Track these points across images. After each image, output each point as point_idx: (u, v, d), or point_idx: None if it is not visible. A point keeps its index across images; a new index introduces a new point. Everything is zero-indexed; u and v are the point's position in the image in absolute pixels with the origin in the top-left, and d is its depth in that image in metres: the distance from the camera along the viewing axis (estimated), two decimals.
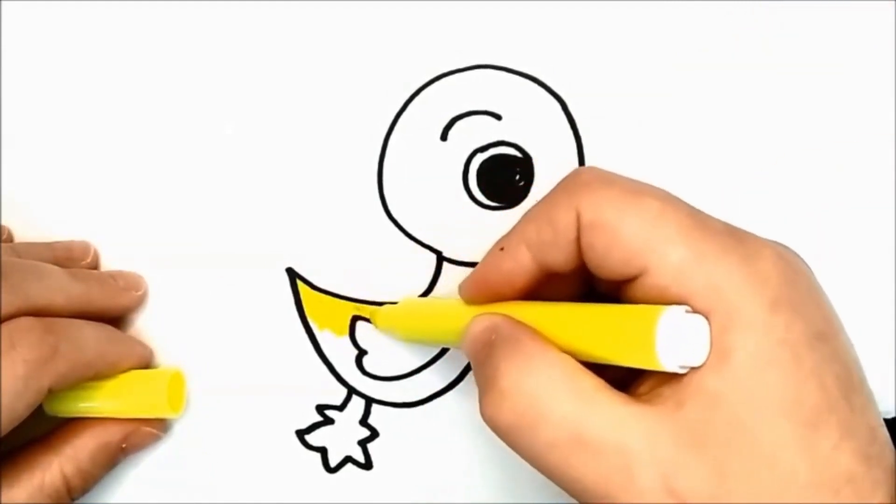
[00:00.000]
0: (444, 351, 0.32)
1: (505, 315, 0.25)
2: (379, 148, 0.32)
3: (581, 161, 0.32)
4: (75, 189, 0.33)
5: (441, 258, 0.32)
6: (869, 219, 0.31)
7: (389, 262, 0.32)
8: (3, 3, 0.33)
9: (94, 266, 0.33)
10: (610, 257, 0.23)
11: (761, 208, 0.31)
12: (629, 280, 0.23)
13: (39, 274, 0.29)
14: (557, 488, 0.31)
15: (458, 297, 0.28)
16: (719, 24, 0.31)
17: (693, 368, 0.21)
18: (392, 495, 0.32)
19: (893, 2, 0.31)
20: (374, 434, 0.33)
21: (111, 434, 0.30)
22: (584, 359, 0.23)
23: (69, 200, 0.33)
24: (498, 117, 0.32)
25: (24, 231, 0.33)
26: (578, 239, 0.24)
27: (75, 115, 0.33)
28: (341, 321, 0.32)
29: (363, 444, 0.33)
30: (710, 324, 0.21)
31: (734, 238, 0.22)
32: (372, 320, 0.32)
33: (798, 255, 0.23)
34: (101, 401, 0.30)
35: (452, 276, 0.32)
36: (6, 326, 0.27)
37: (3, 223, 0.33)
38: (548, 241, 0.24)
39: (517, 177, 0.32)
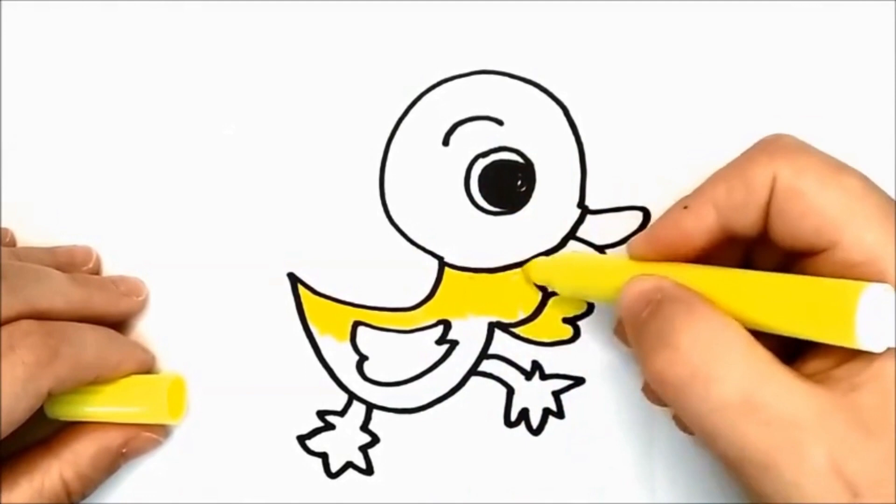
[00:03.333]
0: (445, 356, 0.32)
1: (672, 280, 0.24)
2: (381, 153, 0.32)
3: (583, 166, 0.32)
4: (78, 194, 0.33)
5: (443, 263, 0.32)
6: None
7: (391, 268, 0.32)
8: (3, 3, 0.33)
9: (96, 271, 0.33)
10: (802, 226, 0.23)
11: None
12: (811, 253, 0.23)
13: (40, 278, 0.29)
14: (557, 493, 0.31)
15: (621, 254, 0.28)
16: (719, 27, 0.31)
17: (872, 353, 0.21)
18: (393, 501, 0.32)
19: (893, 2, 0.31)
20: (375, 440, 0.32)
21: (111, 439, 0.30)
22: (759, 328, 0.23)
23: (72, 205, 0.33)
24: (500, 123, 0.32)
25: (27, 235, 0.33)
26: (769, 203, 0.24)
27: (76, 117, 0.33)
28: (342, 326, 0.32)
29: (364, 449, 0.32)
30: None
31: None
32: (526, 272, 0.32)
33: None
34: (101, 405, 0.30)
35: (454, 282, 0.32)
36: (6, 329, 0.27)
37: (6, 227, 0.33)
38: (738, 202, 0.24)
39: (519, 182, 0.32)
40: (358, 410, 0.32)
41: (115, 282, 0.32)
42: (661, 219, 0.27)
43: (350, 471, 0.32)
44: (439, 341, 0.32)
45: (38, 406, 0.27)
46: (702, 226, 0.25)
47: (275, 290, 0.33)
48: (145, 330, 0.33)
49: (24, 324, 0.27)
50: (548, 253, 0.32)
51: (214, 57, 0.33)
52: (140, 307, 0.33)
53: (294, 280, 0.33)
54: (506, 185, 0.32)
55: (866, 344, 0.20)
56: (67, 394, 0.29)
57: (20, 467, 0.29)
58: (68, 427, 0.30)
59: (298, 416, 0.32)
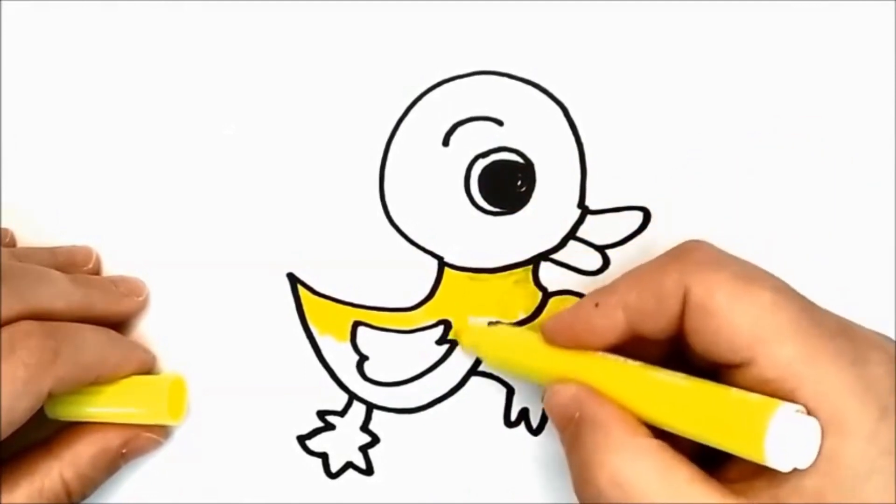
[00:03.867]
0: (445, 356, 0.32)
1: (587, 387, 0.25)
2: (381, 153, 0.32)
3: (583, 166, 0.32)
4: (78, 194, 0.33)
5: (442, 264, 0.32)
6: (869, 219, 0.31)
7: (391, 268, 0.32)
8: (3, 3, 0.33)
9: (96, 271, 0.33)
10: (716, 343, 0.23)
11: (764, 210, 0.31)
12: (728, 366, 0.23)
13: (41, 278, 0.29)
14: (557, 493, 0.32)
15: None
16: (719, 27, 0.31)
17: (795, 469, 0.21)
18: (393, 501, 0.32)
19: (893, 2, 0.31)
20: (376, 440, 0.32)
21: (111, 439, 0.30)
22: (677, 433, 0.23)
23: (72, 205, 0.33)
24: (499, 123, 0.32)
25: (27, 236, 0.33)
26: (682, 315, 0.24)
27: (76, 118, 0.33)
28: (342, 326, 0.32)
29: (364, 449, 0.32)
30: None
31: (846, 338, 0.22)
32: (458, 337, 0.32)
33: None
34: (101, 406, 0.30)
35: (454, 282, 0.32)
36: (6, 330, 0.27)
37: (6, 227, 0.33)
38: (648, 311, 0.25)
39: (519, 182, 0.32)
40: (358, 410, 0.32)
41: (116, 282, 0.32)
42: (573, 310, 0.27)
43: (350, 471, 0.32)
44: (439, 341, 0.32)
45: (38, 407, 0.27)
46: (611, 325, 0.25)
47: (275, 290, 0.33)
48: (146, 330, 0.33)
49: (25, 324, 0.27)
50: (548, 253, 0.32)
51: (214, 57, 0.33)
52: (140, 307, 0.33)
53: (294, 280, 0.33)
54: (506, 185, 0.32)
55: (775, 463, 0.21)
56: (68, 394, 0.29)
57: (20, 468, 0.29)
58: (68, 427, 0.30)
59: (298, 416, 0.33)
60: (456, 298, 0.32)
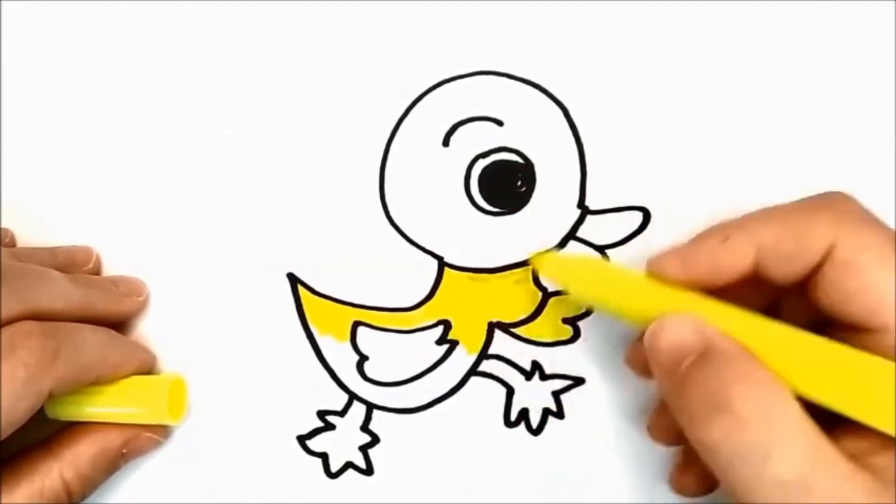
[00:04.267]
0: (445, 356, 0.32)
1: (709, 323, 0.23)
2: (381, 153, 0.32)
3: (583, 167, 0.32)
4: (78, 194, 0.33)
5: (442, 264, 0.32)
6: None
7: (391, 268, 0.32)
8: (3, 3, 0.33)
9: (97, 271, 0.33)
10: (854, 302, 0.22)
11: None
12: (855, 328, 0.22)
13: (41, 278, 0.29)
14: (557, 493, 0.31)
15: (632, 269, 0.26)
16: (719, 27, 0.31)
17: None
18: (393, 501, 0.32)
19: (893, 2, 0.31)
20: (376, 440, 0.32)
21: (112, 439, 0.30)
22: (801, 394, 0.22)
23: (72, 205, 0.33)
24: (500, 123, 0.32)
25: (27, 236, 0.33)
26: (819, 266, 0.23)
27: (76, 118, 0.33)
28: (342, 326, 0.32)
29: (364, 449, 0.33)
30: None
31: None
32: (534, 263, 0.30)
33: None
34: (102, 406, 0.30)
35: (454, 282, 0.32)
36: (7, 330, 0.27)
37: (6, 227, 0.33)
38: (785, 254, 0.23)
39: (519, 182, 0.32)
40: (358, 410, 0.32)
41: (116, 282, 0.32)
42: (695, 243, 0.25)
43: (350, 471, 0.33)
44: (439, 341, 0.32)
45: (38, 407, 0.27)
46: (738, 263, 0.24)
47: (275, 290, 0.33)
48: (146, 330, 0.33)
49: (25, 325, 0.27)
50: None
51: (214, 57, 0.33)
52: (141, 307, 0.33)
53: (294, 280, 0.33)
54: (506, 185, 0.32)
55: None
56: (68, 394, 0.29)
57: (20, 468, 0.29)
58: (69, 427, 0.30)
59: (298, 416, 0.33)
60: (456, 298, 0.32)
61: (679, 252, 0.25)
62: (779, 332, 0.23)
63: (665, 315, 0.24)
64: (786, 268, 0.24)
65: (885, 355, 0.22)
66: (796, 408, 0.21)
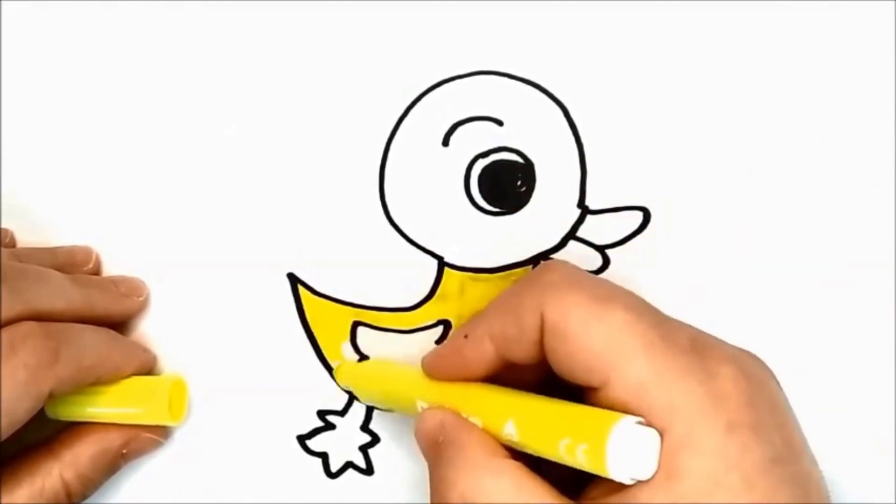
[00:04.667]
0: None
1: (453, 413, 0.25)
2: (380, 153, 0.32)
3: (583, 166, 0.32)
4: (78, 194, 0.33)
5: (442, 263, 0.32)
6: (869, 219, 0.31)
7: (390, 268, 0.32)
8: (3, 3, 0.33)
9: (97, 272, 0.33)
10: (572, 366, 0.23)
11: (763, 211, 0.31)
12: (589, 388, 0.23)
13: (41, 279, 0.29)
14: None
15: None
16: (719, 26, 0.31)
17: (641, 482, 0.21)
18: (393, 501, 0.32)
19: (893, 2, 0.31)
20: (376, 439, 0.33)
21: (112, 440, 0.30)
22: (536, 454, 0.23)
23: (72, 205, 0.33)
24: (499, 123, 0.32)
25: (27, 236, 0.33)
26: (542, 339, 0.24)
27: (76, 118, 0.33)
28: (342, 326, 0.32)
29: (364, 449, 0.33)
30: (663, 442, 0.21)
31: (696, 354, 0.22)
32: (334, 372, 0.32)
33: (764, 368, 0.23)
34: (102, 406, 0.30)
35: (454, 282, 0.32)
36: (7, 331, 0.27)
37: (6, 227, 0.33)
38: (512, 338, 0.25)
39: (519, 182, 0.32)
40: (358, 410, 0.33)
41: (116, 282, 0.32)
42: (446, 343, 0.28)
43: (350, 471, 0.33)
44: (439, 341, 0.32)
45: (38, 407, 0.27)
46: (481, 356, 0.26)
47: (274, 290, 0.33)
48: (146, 330, 0.33)
49: (25, 325, 0.27)
50: (548, 253, 0.32)
51: (214, 57, 0.33)
52: (141, 307, 0.33)
53: (294, 280, 0.33)
54: (506, 185, 0.32)
55: (616, 474, 0.21)
56: (68, 394, 0.29)
57: (21, 468, 0.29)
58: (69, 428, 0.30)
59: (298, 416, 0.33)
60: (456, 298, 0.32)
61: (437, 354, 0.28)
62: (508, 403, 0.25)
63: (424, 410, 0.27)
64: (519, 350, 0.25)
65: (616, 408, 0.22)
66: (513, 478, 0.23)
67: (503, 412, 0.24)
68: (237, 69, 0.33)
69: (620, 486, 0.22)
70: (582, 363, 0.23)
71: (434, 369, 0.27)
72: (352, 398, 0.32)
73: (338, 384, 0.32)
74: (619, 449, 0.21)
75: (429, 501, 0.25)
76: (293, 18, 0.32)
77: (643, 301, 0.24)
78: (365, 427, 0.33)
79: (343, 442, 0.32)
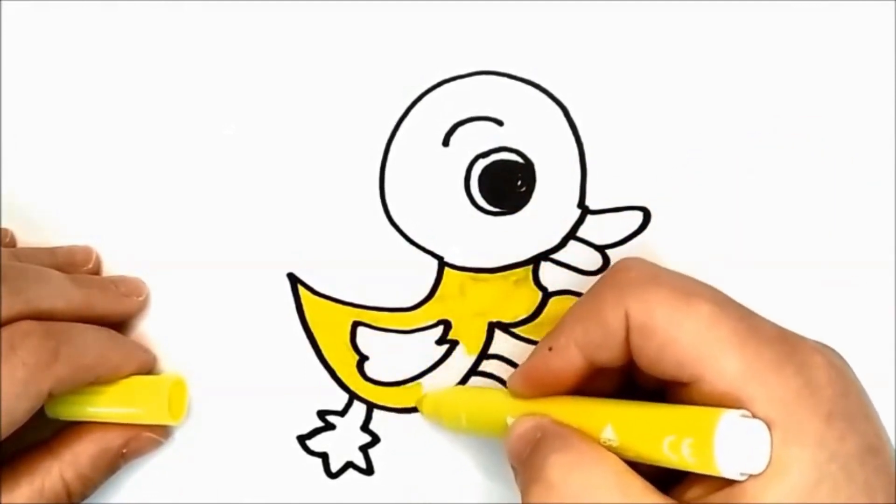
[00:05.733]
0: (445, 356, 0.32)
1: (549, 416, 0.25)
2: (381, 153, 0.32)
3: (583, 166, 0.32)
4: (78, 194, 0.33)
5: (442, 263, 0.32)
6: (869, 219, 0.31)
7: (391, 268, 0.32)
8: (3, 3, 0.33)
9: (96, 271, 0.33)
10: (662, 362, 0.23)
11: (763, 211, 0.31)
12: (680, 384, 0.23)
13: (41, 278, 0.29)
14: None
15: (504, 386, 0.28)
16: (719, 26, 0.31)
17: (750, 476, 0.21)
18: (393, 501, 0.32)
19: (893, 2, 0.31)
20: (376, 439, 0.32)
21: (112, 439, 0.30)
22: (635, 459, 0.23)
23: (72, 205, 0.33)
24: (500, 123, 0.32)
25: (27, 236, 0.33)
26: (628, 338, 0.24)
27: (76, 118, 0.33)
28: (342, 326, 0.32)
29: (364, 449, 0.32)
30: (773, 435, 0.21)
31: (787, 345, 0.22)
32: (418, 406, 0.32)
33: (844, 360, 0.23)
34: (102, 406, 0.30)
35: (454, 282, 0.32)
36: (6, 330, 0.27)
37: (6, 227, 0.33)
38: (597, 341, 0.24)
39: (519, 182, 0.32)
40: (358, 410, 0.32)
41: (116, 282, 0.32)
42: (530, 359, 0.27)
43: (350, 471, 0.33)
44: (439, 341, 0.32)
45: (38, 406, 0.27)
46: (569, 365, 0.25)
47: (274, 290, 0.33)
48: (146, 330, 0.33)
49: (25, 324, 0.27)
50: (548, 253, 0.32)
51: (214, 57, 0.33)
52: (141, 307, 0.33)
53: (294, 280, 0.33)
54: (506, 185, 0.32)
55: (727, 471, 0.21)
56: (68, 394, 0.29)
57: (21, 468, 0.29)
58: (69, 427, 0.30)
59: (298, 416, 0.33)
60: (456, 298, 0.32)
61: (521, 372, 0.27)
62: (604, 408, 0.24)
63: (516, 419, 0.26)
64: (607, 353, 0.24)
65: (710, 401, 0.22)
66: (615, 467, 0.23)
67: (600, 418, 0.24)
68: (237, 69, 0.33)
69: (723, 484, 0.21)
70: (672, 358, 0.23)
71: (522, 387, 0.27)
72: (352, 398, 0.32)
73: (423, 416, 0.32)
74: (727, 443, 0.20)
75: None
76: (293, 18, 0.32)
77: (725, 294, 0.24)
78: (365, 427, 0.33)
79: (343, 442, 0.32)
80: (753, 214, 0.31)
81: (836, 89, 0.31)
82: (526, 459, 0.24)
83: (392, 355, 0.32)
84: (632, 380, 0.26)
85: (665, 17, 0.31)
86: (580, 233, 0.32)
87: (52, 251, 0.32)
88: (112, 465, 0.30)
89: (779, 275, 0.31)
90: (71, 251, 0.33)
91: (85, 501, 0.30)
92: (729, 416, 0.21)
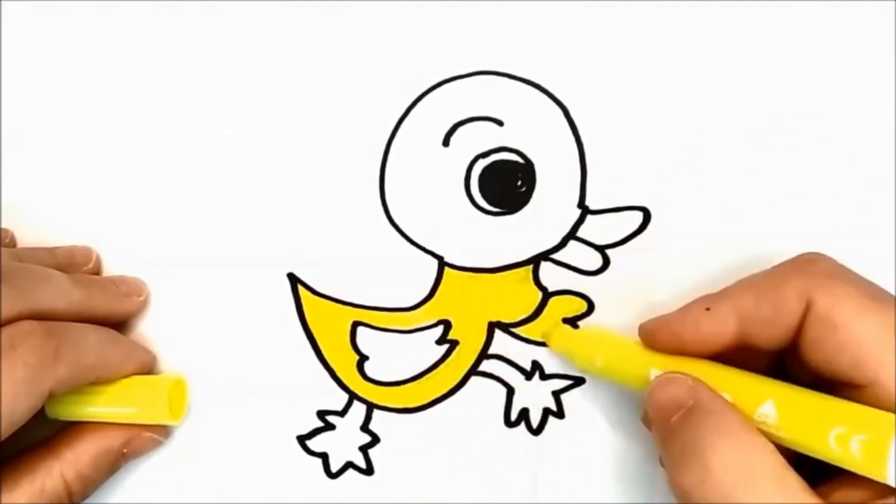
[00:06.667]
0: (445, 356, 0.32)
1: (702, 381, 0.24)
2: (381, 153, 0.32)
3: (583, 166, 0.32)
4: (78, 194, 0.33)
5: (442, 263, 0.32)
6: (869, 219, 0.31)
7: (391, 268, 0.32)
8: (3, 3, 0.33)
9: (97, 271, 0.33)
10: (838, 358, 0.22)
11: (763, 211, 0.31)
12: (846, 384, 0.22)
13: (41, 278, 0.29)
14: (557, 493, 0.31)
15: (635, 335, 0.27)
16: (719, 26, 0.31)
17: None
18: (393, 501, 0.32)
19: (893, 2, 0.31)
20: (376, 440, 0.32)
21: (112, 439, 0.30)
22: (787, 444, 0.22)
23: (72, 205, 0.33)
24: (500, 123, 0.32)
25: (27, 236, 0.33)
26: (799, 327, 0.23)
27: (76, 118, 0.33)
28: (342, 326, 0.32)
29: (364, 449, 0.32)
30: None
31: None
32: (546, 340, 0.32)
33: None
34: (102, 406, 0.30)
35: (454, 282, 0.32)
36: (7, 330, 0.27)
37: (6, 227, 0.33)
38: (764, 318, 0.24)
39: (519, 182, 0.32)
40: (358, 410, 0.32)
41: (116, 282, 0.32)
42: (681, 312, 0.26)
43: (350, 471, 0.32)
44: (439, 341, 0.32)
45: (39, 406, 0.27)
46: (721, 332, 0.25)
47: (275, 290, 0.33)
48: (146, 331, 0.33)
49: (25, 324, 0.27)
50: (548, 253, 0.32)
51: (214, 57, 0.33)
52: (141, 307, 0.33)
53: (294, 280, 0.33)
54: (506, 185, 0.32)
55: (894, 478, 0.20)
56: (68, 394, 0.29)
57: (21, 468, 0.29)
58: (69, 427, 0.30)
59: (298, 416, 0.33)
60: (456, 298, 0.32)
61: (666, 321, 0.26)
62: (768, 388, 0.23)
63: (666, 374, 0.25)
64: (768, 332, 0.24)
65: (876, 405, 0.22)
66: (774, 462, 0.22)
67: (760, 392, 0.23)
68: (237, 69, 0.33)
69: (882, 492, 0.21)
70: (850, 356, 0.22)
71: (659, 337, 0.26)
72: (352, 399, 0.32)
73: (550, 348, 0.31)
74: None
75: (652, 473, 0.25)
76: (293, 18, 0.33)
77: None
78: (365, 427, 0.33)
79: (343, 442, 0.32)
80: (753, 214, 0.31)
81: (836, 89, 0.31)
82: (674, 429, 0.23)
83: (392, 355, 0.32)
84: (780, 370, 0.25)
85: (665, 17, 0.31)
86: (580, 233, 0.32)
87: (52, 251, 0.32)
88: (112, 465, 0.30)
89: None
90: (71, 251, 0.33)
91: (85, 501, 0.30)
92: None
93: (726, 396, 0.24)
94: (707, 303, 0.25)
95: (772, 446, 0.22)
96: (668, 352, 0.26)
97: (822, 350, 0.23)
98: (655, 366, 0.26)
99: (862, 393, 0.22)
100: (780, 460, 0.22)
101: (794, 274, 0.24)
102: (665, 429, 0.24)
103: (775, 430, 0.22)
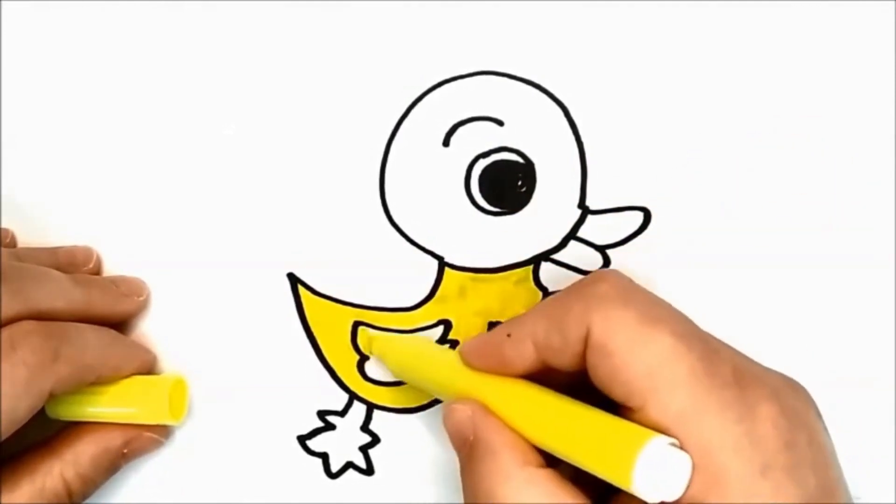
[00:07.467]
0: None
1: (483, 409, 0.25)
2: (381, 153, 0.32)
3: (583, 166, 0.32)
4: (78, 194, 0.33)
5: (443, 264, 0.32)
6: (869, 219, 0.31)
7: (391, 268, 0.32)
8: (3, 3, 0.33)
9: (97, 271, 0.33)
10: (611, 384, 0.23)
11: (763, 211, 0.31)
12: (624, 406, 0.23)
13: (41, 278, 0.29)
14: None
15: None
16: (719, 26, 0.31)
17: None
18: (393, 501, 0.32)
19: (893, 2, 0.31)
20: (376, 440, 0.33)
21: (112, 439, 0.30)
22: (565, 459, 0.23)
23: (72, 205, 0.33)
24: (500, 123, 0.32)
25: (27, 236, 0.33)
26: (585, 353, 0.24)
27: (76, 118, 0.33)
28: (342, 326, 0.32)
29: (364, 449, 0.33)
30: (694, 478, 0.21)
31: (738, 388, 0.22)
32: (368, 346, 0.32)
33: (805, 399, 0.23)
34: (102, 406, 0.30)
35: (454, 282, 0.32)
36: (7, 330, 0.27)
37: (6, 227, 0.33)
38: (555, 346, 0.24)
39: (519, 182, 0.32)
40: (358, 410, 0.33)
41: (116, 282, 0.32)
42: (488, 336, 0.27)
43: (350, 471, 0.33)
44: (439, 341, 0.32)
45: (39, 406, 0.27)
46: (521, 357, 0.25)
47: (275, 290, 0.33)
48: (146, 331, 0.33)
49: (26, 324, 0.27)
50: (548, 253, 0.32)
51: (214, 57, 0.33)
52: (141, 307, 0.33)
53: (294, 280, 0.33)
54: (506, 185, 0.32)
55: (642, 493, 0.21)
56: (69, 394, 0.29)
57: (21, 468, 0.29)
58: (69, 427, 0.30)
59: (299, 416, 0.33)
60: (456, 298, 0.32)
61: (476, 345, 0.27)
62: (542, 403, 0.25)
63: (450, 403, 0.26)
64: (561, 359, 0.25)
65: (649, 427, 0.22)
66: (546, 489, 0.23)
67: (538, 414, 0.24)
68: (237, 69, 0.33)
69: None
70: (622, 383, 0.23)
71: (472, 359, 0.27)
72: (352, 399, 0.32)
73: (367, 353, 0.32)
74: (648, 466, 0.21)
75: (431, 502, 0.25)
76: (293, 18, 0.32)
77: (692, 325, 0.24)
78: (365, 427, 0.33)
79: (343, 442, 0.32)
80: (753, 214, 0.31)
81: (836, 89, 0.31)
82: (465, 464, 0.25)
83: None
84: (584, 381, 0.26)
85: (665, 17, 0.31)
86: (580, 233, 0.32)
87: (52, 251, 0.32)
88: (113, 465, 0.31)
89: (779, 275, 0.31)
90: (71, 251, 0.33)
91: (85, 501, 0.30)
92: (656, 442, 0.21)
93: (511, 417, 0.25)
94: (509, 328, 0.26)
95: (545, 475, 0.23)
96: (482, 371, 0.27)
97: (599, 375, 0.23)
98: (458, 380, 0.27)
99: (636, 415, 0.23)
100: (550, 489, 0.23)
101: (577, 299, 0.24)
102: (459, 459, 0.26)
103: (551, 450, 0.24)
